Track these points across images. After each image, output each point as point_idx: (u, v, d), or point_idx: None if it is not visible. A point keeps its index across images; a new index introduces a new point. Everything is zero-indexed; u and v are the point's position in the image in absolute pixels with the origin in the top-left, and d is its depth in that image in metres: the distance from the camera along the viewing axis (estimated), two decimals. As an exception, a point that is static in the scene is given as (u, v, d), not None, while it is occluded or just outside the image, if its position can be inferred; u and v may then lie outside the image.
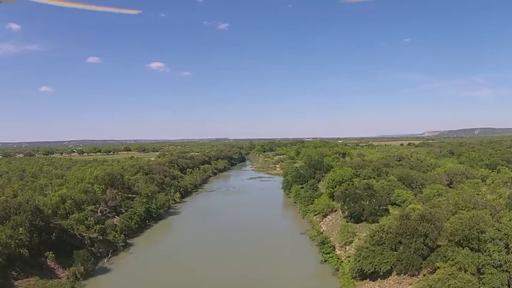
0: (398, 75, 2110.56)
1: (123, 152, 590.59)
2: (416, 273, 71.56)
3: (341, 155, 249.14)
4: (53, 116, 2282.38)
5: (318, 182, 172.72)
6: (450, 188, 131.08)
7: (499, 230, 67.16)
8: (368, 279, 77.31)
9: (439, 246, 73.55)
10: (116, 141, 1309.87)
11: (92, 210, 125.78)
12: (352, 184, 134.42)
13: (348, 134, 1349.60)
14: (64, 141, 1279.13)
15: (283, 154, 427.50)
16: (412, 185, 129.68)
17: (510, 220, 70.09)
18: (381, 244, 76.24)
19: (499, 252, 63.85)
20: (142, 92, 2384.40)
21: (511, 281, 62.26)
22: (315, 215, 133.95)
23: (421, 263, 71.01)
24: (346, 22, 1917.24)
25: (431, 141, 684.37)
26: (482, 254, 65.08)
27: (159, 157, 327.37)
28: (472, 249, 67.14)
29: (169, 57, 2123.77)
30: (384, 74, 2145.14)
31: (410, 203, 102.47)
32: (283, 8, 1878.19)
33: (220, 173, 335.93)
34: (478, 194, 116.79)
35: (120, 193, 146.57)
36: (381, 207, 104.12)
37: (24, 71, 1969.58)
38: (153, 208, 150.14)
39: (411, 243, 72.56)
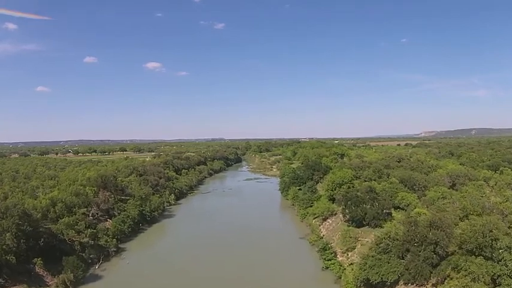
0: (398, 75, 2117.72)
1: (119, 152, 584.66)
2: (425, 282, 67.40)
3: (339, 156, 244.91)
4: (49, 116, 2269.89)
5: (316, 184, 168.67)
6: (454, 190, 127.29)
7: (514, 238, 63.29)
8: (374, 289, 73.24)
9: (448, 253, 69.54)
10: (112, 141, 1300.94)
11: (83, 213, 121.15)
12: (353, 186, 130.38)
13: (345, 134, 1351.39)
14: (61, 141, 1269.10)
15: (279, 155, 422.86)
16: (414, 187, 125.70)
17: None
18: (388, 252, 72.01)
19: (515, 261, 59.91)
20: (139, 92, 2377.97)
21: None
22: (314, 218, 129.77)
23: (431, 272, 66.93)
24: (346, 22, 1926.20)
25: (428, 141, 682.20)
26: (497, 263, 61.03)
27: (154, 157, 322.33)
28: (485, 257, 63.16)
29: (165, 57, 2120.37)
30: (384, 74, 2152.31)
31: (415, 207, 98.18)
32: (281, 7, 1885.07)
33: (216, 174, 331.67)
34: (482, 197, 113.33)
35: (113, 195, 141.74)
36: (384, 211, 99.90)
37: (22, 71, 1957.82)
38: (147, 211, 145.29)
39: (420, 251, 68.43)
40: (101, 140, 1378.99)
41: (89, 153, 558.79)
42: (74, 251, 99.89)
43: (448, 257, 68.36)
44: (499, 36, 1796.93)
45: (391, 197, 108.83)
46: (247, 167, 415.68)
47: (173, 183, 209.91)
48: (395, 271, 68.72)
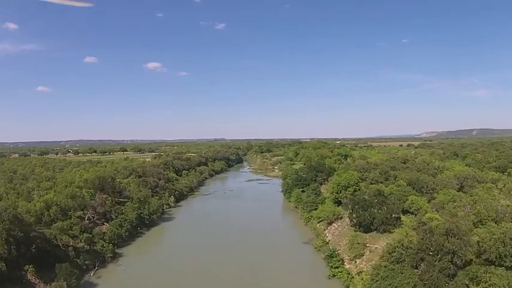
0: (398, 75, 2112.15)
1: (119, 152, 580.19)
2: (441, 294, 62.95)
3: (343, 157, 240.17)
4: (50, 115, 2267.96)
5: (320, 186, 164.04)
6: (463, 192, 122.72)
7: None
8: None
9: (465, 263, 64.96)
10: (113, 141, 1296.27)
11: (78, 217, 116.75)
12: (359, 189, 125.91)
13: (346, 134, 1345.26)
14: (61, 141, 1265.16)
15: (281, 155, 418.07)
16: (422, 189, 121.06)
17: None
18: (401, 262, 67.32)
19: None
20: (140, 92, 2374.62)
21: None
22: (318, 222, 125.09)
23: (447, 284, 62.33)
24: (346, 22, 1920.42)
25: (429, 142, 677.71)
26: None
27: (155, 158, 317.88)
28: (506, 268, 58.68)
29: (165, 57, 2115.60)
30: (384, 74, 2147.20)
31: (426, 212, 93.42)
32: (281, 7, 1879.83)
33: (217, 175, 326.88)
34: (493, 200, 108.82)
35: (110, 198, 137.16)
36: (393, 216, 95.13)
37: (22, 71, 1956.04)
38: (146, 214, 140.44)
39: (435, 261, 63.80)
40: (101, 140, 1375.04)
41: (89, 153, 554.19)
42: (68, 257, 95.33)
43: (465, 267, 63.91)
44: (499, 36, 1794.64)
45: (400, 200, 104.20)
46: (248, 167, 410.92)
47: (173, 185, 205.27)
48: (409, 282, 63.92)
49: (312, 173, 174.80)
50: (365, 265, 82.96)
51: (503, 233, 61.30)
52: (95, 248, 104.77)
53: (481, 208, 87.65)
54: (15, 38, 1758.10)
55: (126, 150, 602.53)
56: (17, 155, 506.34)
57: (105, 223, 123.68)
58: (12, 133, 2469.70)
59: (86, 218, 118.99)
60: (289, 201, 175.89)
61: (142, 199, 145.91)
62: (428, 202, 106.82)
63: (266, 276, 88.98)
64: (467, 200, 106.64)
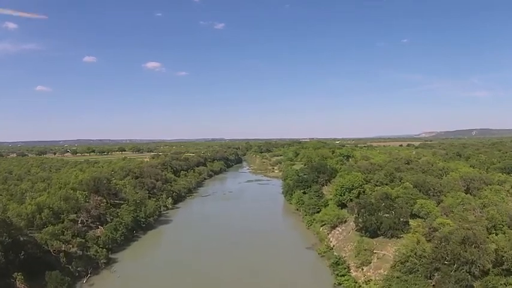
0: (398, 75, 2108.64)
1: (117, 152, 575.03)
2: (457, 307, 58.37)
3: (345, 157, 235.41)
4: (49, 115, 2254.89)
5: (322, 187, 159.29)
6: (471, 195, 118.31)
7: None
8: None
9: (483, 273, 60.41)
10: (112, 141, 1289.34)
11: (72, 220, 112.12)
12: (363, 191, 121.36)
13: (345, 134, 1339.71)
14: (60, 141, 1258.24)
15: (280, 155, 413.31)
16: (429, 192, 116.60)
17: None
18: (414, 272, 62.64)
19: None
20: (139, 91, 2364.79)
21: None
22: (321, 226, 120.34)
23: (464, 296, 57.81)
24: (346, 22, 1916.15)
25: (429, 142, 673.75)
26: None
27: (153, 158, 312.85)
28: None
29: (165, 57, 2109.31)
30: (384, 74, 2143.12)
31: (436, 216, 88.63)
32: (281, 7, 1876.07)
33: (216, 175, 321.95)
34: (502, 203, 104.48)
35: (105, 200, 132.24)
36: (401, 220, 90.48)
37: (22, 70, 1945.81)
38: (142, 217, 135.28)
39: (451, 271, 59.24)
40: (101, 140, 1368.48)
41: (87, 153, 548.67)
42: (59, 263, 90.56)
43: (482, 278, 59.40)
44: (499, 36, 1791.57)
45: (407, 203, 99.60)
46: (248, 168, 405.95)
47: (171, 186, 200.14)
48: (423, 294, 59.51)
49: (314, 174, 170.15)
50: (373, 273, 78.35)
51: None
52: (88, 253, 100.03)
53: (495, 213, 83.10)
54: (15, 37, 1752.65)
55: (125, 150, 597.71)
56: (14, 155, 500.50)
57: (99, 226, 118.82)
58: (11, 133, 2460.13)
59: (79, 222, 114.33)
60: (290, 203, 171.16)
61: (138, 201, 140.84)
62: (437, 205, 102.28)
63: (267, 283, 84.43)
64: (476, 203, 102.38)
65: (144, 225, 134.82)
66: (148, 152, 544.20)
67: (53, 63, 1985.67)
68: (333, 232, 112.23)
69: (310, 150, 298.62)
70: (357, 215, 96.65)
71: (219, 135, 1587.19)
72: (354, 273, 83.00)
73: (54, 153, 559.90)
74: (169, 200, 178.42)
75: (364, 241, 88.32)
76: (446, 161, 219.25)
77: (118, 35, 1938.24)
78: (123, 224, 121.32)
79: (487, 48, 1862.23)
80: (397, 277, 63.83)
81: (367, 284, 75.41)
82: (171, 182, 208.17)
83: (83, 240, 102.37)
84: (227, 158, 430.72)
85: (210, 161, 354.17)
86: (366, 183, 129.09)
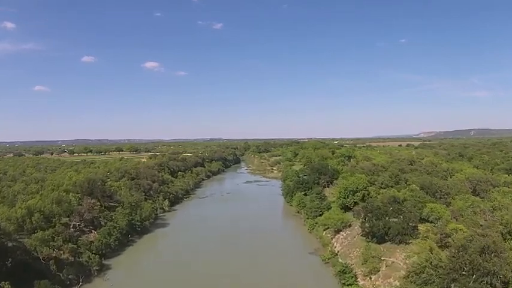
0: (397, 75, 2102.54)
1: (115, 152, 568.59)
2: (477, 322, 53.77)
3: (346, 158, 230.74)
4: (48, 115, 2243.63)
5: (323, 189, 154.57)
6: (480, 197, 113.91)
7: None
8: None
9: (504, 284, 55.83)
10: (109, 141, 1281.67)
11: (64, 224, 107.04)
12: (368, 194, 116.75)
13: (344, 134, 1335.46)
14: (58, 141, 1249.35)
15: (279, 155, 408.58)
16: (436, 194, 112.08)
17: None
18: (430, 283, 57.90)
19: None
20: (138, 91, 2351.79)
21: None
22: (324, 230, 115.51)
23: (485, 310, 53.21)
24: (345, 22, 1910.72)
25: (428, 142, 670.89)
26: None
27: (151, 158, 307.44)
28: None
29: (164, 56, 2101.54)
30: (384, 74, 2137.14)
31: (448, 221, 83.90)
32: (280, 7, 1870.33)
33: (214, 176, 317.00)
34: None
35: (99, 203, 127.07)
36: (410, 225, 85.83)
37: (21, 70, 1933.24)
38: (137, 220, 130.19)
39: (469, 282, 54.59)
40: (99, 140, 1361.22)
41: (84, 153, 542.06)
42: (49, 271, 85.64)
43: (504, 290, 54.84)
44: (499, 36, 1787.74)
45: (415, 207, 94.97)
46: (246, 168, 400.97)
47: (168, 187, 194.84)
48: (440, 309, 54.87)
49: (315, 175, 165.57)
50: (382, 282, 73.74)
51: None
52: (80, 259, 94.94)
53: (510, 217, 78.42)
54: (14, 37, 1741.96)
55: (122, 150, 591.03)
56: (11, 155, 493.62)
57: (92, 231, 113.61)
58: (10, 133, 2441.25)
59: (71, 226, 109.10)
60: (291, 205, 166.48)
61: (134, 204, 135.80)
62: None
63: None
64: (485, 206, 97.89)
65: (139, 229, 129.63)
66: (145, 152, 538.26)
67: (52, 63, 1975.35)
68: (337, 237, 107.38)
69: (310, 151, 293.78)
70: (363, 220, 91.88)
71: (217, 135, 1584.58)
72: (361, 282, 78.32)
73: (51, 154, 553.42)
74: (166, 202, 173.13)
75: (371, 247, 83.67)
76: (449, 161, 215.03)
77: (117, 35, 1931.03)
78: (117, 228, 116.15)
79: (487, 48, 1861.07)
80: (413, 290, 59.20)
81: (375, 294, 70.79)
82: (168, 184, 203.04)
83: (75, 245, 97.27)
84: (225, 158, 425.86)
85: (208, 162, 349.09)
86: (370, 186, 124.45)
